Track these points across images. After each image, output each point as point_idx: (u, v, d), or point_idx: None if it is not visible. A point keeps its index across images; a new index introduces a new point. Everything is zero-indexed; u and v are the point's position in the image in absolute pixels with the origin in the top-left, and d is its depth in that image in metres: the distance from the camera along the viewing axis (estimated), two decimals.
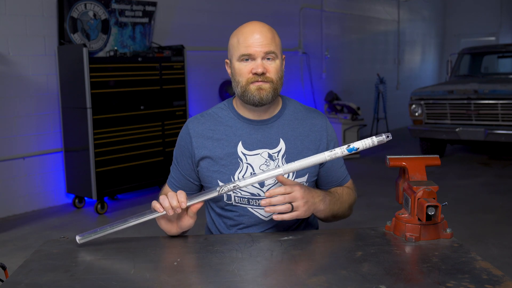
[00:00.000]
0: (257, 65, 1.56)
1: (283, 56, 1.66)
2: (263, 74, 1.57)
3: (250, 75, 1.58)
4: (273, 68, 1.59)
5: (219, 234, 1.66)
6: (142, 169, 4.98)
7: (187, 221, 1.49)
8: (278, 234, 1.53)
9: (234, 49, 1.60)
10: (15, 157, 4.62)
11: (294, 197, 1.46)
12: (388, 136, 1.38)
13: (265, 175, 1.44)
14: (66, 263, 1.33)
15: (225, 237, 1.52)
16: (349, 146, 1.40)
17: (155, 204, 1.44)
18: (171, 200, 1.42)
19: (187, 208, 1.46)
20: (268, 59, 1.58)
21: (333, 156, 1.41)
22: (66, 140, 4.83)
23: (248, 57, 1.58)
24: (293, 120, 1.69)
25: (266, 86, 1.58)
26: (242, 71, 1.59)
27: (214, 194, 1.45)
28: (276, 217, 1.46)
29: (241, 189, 1.62)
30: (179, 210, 1.43)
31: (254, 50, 1.56)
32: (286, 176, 1.62)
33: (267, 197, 1.45)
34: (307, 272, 1.23)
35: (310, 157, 1.43)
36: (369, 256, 1.32)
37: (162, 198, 1.43)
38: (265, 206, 1.46)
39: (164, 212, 1.43)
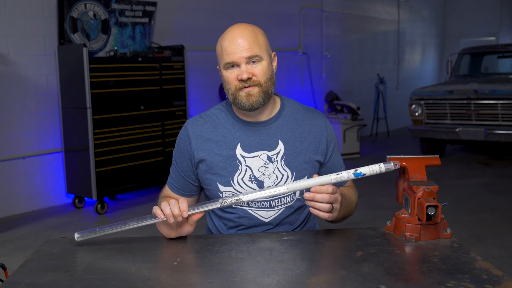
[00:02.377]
0: (242, 72, 1.56)
1: (273, 53, 1.65)
2: (249, 79, 1.56)
3: (237, 82, 1.57)
4: (259, 70, 1.57)
5: (219, 234, 1.66)
6: (142, 169, 4.98)
7: (187, 228, 1.49)
8: (278, 234, 1.53)
9: (220, 57, 1.61)
10: (15, 157, 4.62)
11: (336, 199, 1.45)
12: (396, 165, 1.41)
13: (269, 191, 1.45)
14: (66, 263, 1.33)
15: (225, 237, 1.52)
16: (356, 170, 1.41)
17: (156, 210, 1.42)
18: (173, 208, 1.41)
19: (189, 216, 1.46)
20: (254, 62, 1.57)
21: (339, 180, 1.42)
22: (66, 140, 4.83)
23: (232, 64, 1.58)
24: (292, 121, 1.68)
25: (254, 91, 1.57)
26: (229, 78, 1.59)
27: (216, 206, 1.45)
28: (313, 210, 1.44)
29: (240, 191, 1.62)
30: (180, 219, 1.42)
31: (236, 57, 1.56)
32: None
33: (313, 192, 1.42)
34: (307, 272, 1.23)
35: (316, 178, 1.43)
36: (369, 256, 1.32)
37: (164, 205, 1.42)
38: (307, 200, 1.43)
39: (165, 219, 1.42)
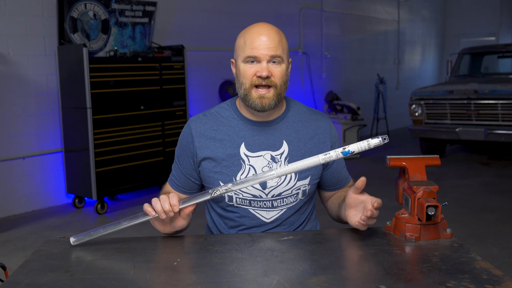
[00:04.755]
0: (262, 68, 1.55)
1: (290, 59, 1.65)
2: (267, 77, 1.55)
3: (254, 77, 1.56)
4: (278, 72, 1.57)
5: (219, 234, 1.66)
6: (142, 169, 4.98)
7: (180, 222, 1.49)
8: (278, 234, 1.53)
9: (240, 49, 1.59)
10: (15, 157, 4.62)
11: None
12: (384, 139, 1.34)
13: (258, 178, 1.42)
14: (66, 263, 1.33)
15: (225, 237, 1.52)
16: (344, 149, 1.37)
17: (147, 207, 1.43)
18: (163, 204, 1.41)
19: (180, 210, 1.46)
20: (274, 62, 1.56)
21: (327, 160, 1.38)
22: (66, 140, 4.83)
23: (253, 59, 1.56)
24: (297, 122, 1.68)
25: (269, 94, 1.56)
26: (247, 73, 1.57)
27: (206, 197, 1.44)
28: (361, 227, 1.44)
29: (243, 190, 1.61)
30: (171, 214, 1.42)
31: (260, 53, 1.55)
32: (281, 178, 1.61)
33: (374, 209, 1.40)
34: (307, 272, 1.23)
35: (303, 160, 1.41)
36: (369, 256, 1.32)
37: (154, 201, 1.42)
38: (369, 217, 1.41)
39: (156, 215, 1.42)
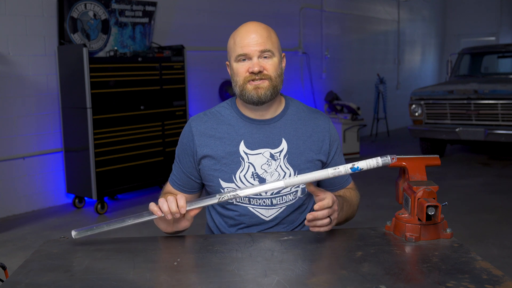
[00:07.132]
0: (253, 64, 1.57)
1: (283, 54, 1.67)
2: (260, 72, 1.57)
3: (247, 74, 1.58)
4: (270, 65, 1.59)
5: (219, 234, 1.67)
6: (142, 169, 4.98)
7: (184, 223, 1.50)
8: (278, 234, 1.53)
9: (231, 50, 1.62)
10: (15, 157, 4.62)
11: (334, 210, 1.44)
12: (393, 158, 1.39)
13: (267, 186, 1.44)
14: (66, 263, 1.33)
15: (225, 237, 1.52)
16: (353, 165, 1.40)
17: (153, 207, 1.43)
18: (170, 205, 1.41)
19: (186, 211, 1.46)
20: (265, 57, 1.59)
21: (336, 174, 1.41)
22: (66, 140, 4.83)
23: (244, 57, 1.59)
24: (296, 120, 1.69)
25: (264, 84, 1.58)
26: (239, 70, 1.60)
27: (214, 201, 1.45)
28: (313, 229, 1.43)
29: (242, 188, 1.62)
30: (178, 216, 1.42)
31: (249, 50, 1.57)
32: (280, 176, 1.62)
33: (316, 211, 1.40)
34: (307, 272, 1.23)
35: (313, 172, 1.42)
36: (369, 256, 1.32)
37: (161, 201, 1.42)
38: (309, 221, 1.41)
39: (162, 215, 1.42)
